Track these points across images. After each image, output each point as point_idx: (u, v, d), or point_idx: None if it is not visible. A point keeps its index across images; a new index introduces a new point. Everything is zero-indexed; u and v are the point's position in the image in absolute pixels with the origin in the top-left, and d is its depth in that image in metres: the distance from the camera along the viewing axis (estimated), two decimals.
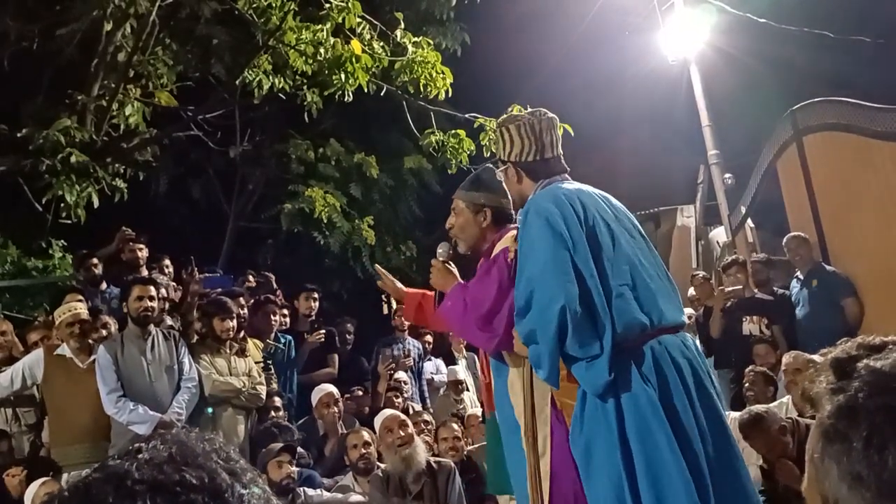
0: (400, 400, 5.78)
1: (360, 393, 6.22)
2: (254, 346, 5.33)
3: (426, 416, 5.45)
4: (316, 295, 6.68)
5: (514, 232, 2.91)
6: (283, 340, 5.91)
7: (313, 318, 6.59)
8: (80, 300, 5.06)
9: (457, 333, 2.95)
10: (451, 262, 3.11)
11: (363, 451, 4.54)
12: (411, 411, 5.59)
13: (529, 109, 2.92)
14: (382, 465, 4.51)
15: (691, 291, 7.86)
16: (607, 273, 2.43)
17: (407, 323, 7.38)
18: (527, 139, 2.81)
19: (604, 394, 2.37)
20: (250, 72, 7.02)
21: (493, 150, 6.96)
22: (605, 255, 2.45)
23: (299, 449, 4.72)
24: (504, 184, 2.88)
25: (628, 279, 2.43)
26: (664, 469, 2.28)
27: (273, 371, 5.48)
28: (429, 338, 7.49)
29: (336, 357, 6.37)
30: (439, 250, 3.15)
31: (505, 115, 3.03)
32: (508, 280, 2.74)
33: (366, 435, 4.61)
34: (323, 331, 6.27)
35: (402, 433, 4.40)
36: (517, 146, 2.82)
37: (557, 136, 2.90)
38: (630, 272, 2.44)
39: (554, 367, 2.42)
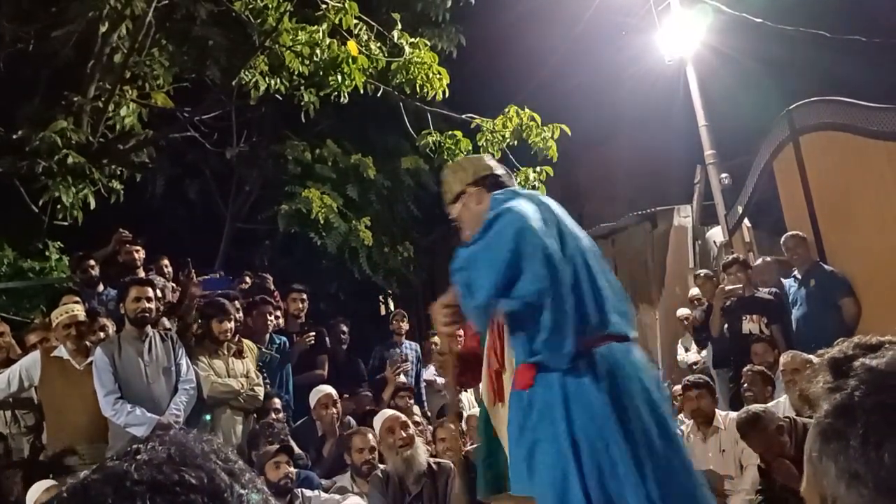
0: (410, 402, 5.79)
1: (368, 394, 6.21)
2: (249, 349, 5.33)
3: (416, 418, 5.45)
4: (304, 296, 6.68)
5: None
6: (277, 341, 5.91)
7: (302, 319, 6.59)
8: (76, 302, 5.04)
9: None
10: None
11: (368, 456, 4.54)
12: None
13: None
14: (382, 466, 4.50)
15: (693, 291, 7.88)
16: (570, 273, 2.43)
17: (405, 327, 7.38)
18: (475, 161, 2.88)
19: (553, 396, 2.37)
20: (246, 73, 7.01)
21: (491, 151, 6.99)
22: (567, 256, 2.44)
23: (297, 450, 4.72)
24: (469, 213, 2.77)
25: (592, 284, 2.45)
26: (614, 470, 2.28)
27: (265, 376, 5.47)
28: (437, 339, 7.49)
29: (326, 359, 6.36)
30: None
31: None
32: None
33: (371, 439, 4.59)
34: (313, 332, 6.26)
35: (404, 434, 4.39)
36: (469, 169, 2.81)
37: (497, 164, 2.90)
38: (592, 278, 2.45)
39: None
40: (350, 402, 6.05)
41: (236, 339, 5.23)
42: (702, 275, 7.21)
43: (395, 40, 6.63)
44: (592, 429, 2.31)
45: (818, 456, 0.82)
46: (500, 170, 2.83)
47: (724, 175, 8.65)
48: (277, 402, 5.29)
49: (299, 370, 6.07)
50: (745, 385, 5.22)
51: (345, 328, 7.03)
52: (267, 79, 7.07)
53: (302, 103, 7.25)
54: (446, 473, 4.41)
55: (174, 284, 6.37)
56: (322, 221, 10.25)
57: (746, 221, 8.03)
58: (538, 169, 7.06)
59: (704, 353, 7.20)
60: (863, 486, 0.77)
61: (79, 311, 4.82)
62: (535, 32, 11.24)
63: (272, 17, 6.47)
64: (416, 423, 5.22)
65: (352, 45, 6.34)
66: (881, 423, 0.77)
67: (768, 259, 6.54)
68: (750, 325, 6.07)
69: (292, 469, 4.31)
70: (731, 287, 6.22)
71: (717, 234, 8.98)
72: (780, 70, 9.99)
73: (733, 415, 4.72)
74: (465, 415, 5.96)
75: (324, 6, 6.44)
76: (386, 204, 11.83)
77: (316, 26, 6.46)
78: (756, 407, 4.37)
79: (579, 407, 2.34)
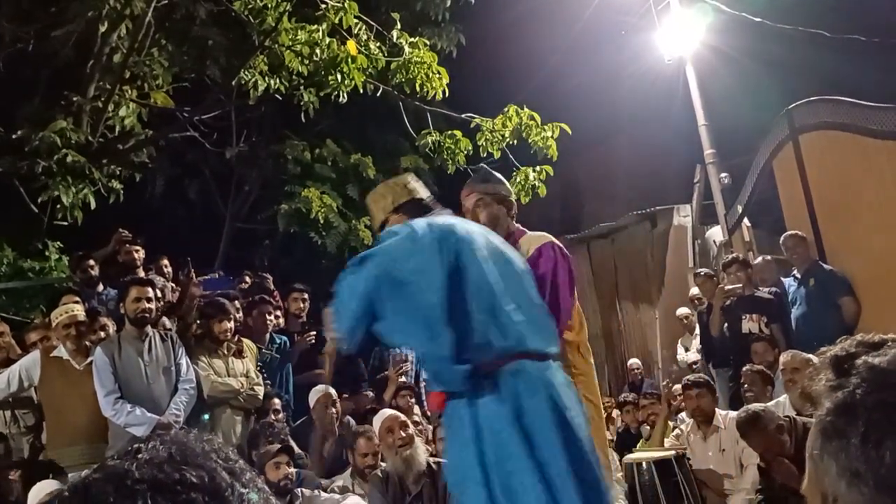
0: (412, 401, 5.79)
1: (370, 393, 6.20)
2: (249, 349, 5.33)
3: (416, 418, 5.45)
4: (305, 295, 6.66)
5: (540, 233, 3.10)
6: (278, 341, 5.90)
7: (304, 318, 6.58)
8: (76, 302, 5.04)
9: None
10: None
11: (372, 461, 4.54)
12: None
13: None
14: (382, 465, 4.50)
15: (693, 290, 7.88)
16: (475, 296, 2.47)
17: None
18: (395, 186, 2.88)
19: (462, 412, 2.45)
20: (246, 72, 7.01)
21: (491, 151, 6.99)
22: (471, 279, 2.48)
23: (297, 450, 4.72)
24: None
25: (491, 305, 2.48)
26: (520, 484, 2.33)
27: (265, 375, 5.47)
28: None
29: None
30: None
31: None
32: (565, 273, 2.94)
33: (376, 442, 4.58)
34: (313, 332, 6.25)
35: (403, 434, 4.39)
36: (389, 197, 2.86)
37: (421, 185, 2.94)
38: (492, 299, 2.49)
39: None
40: (350, 401, 6.04)
41: (236, 338, 5.23)
42: (702, 274, 7.21)
43: (395, 40, 6.63)
44: (499, 451, 2.36)
45: (819, 454, 0.82)
46: (421, 192, 2.87)
47: (723, 174, 8.64)
48: (277, 403, 5.29)
49: (300, 370, 6.06)
50: (745, 384, 5.22)
51: None
52: (266, 78, 7.07)
53: (301, 103, 7.25)
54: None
55: (174, 284, 6.36)
56: (322, 221, 10.26)
57: (746, 221, 8.03)
58: (538, 168, 7.06)
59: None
60: (863, 485, 0.77)
61: (79, 311, 4.81)
62: (534, 32, 11.24)
63: (272, 17, 6.47)
64: (416, 423, 5.23)
65: (351, 45, 6.34)
66: (882, 421, 0.77)
67: (768, 258, 6.54)
68: (749, 324, 6.07)
69: (292, 469, 4.31)
70: (730, 286, 6.22)
71: (716, 234, 8.99)
72: (780, 69, 10.00)
73: (733, 414, 4.72)
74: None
75: (323, 6, 6.44)
76: None
77: (315, 26, 6.46)
78: (756, 406, 4.37)
79: (485, 429, 2.40)
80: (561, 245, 3.07)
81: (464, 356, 2.38)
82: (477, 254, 2.53)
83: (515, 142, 7.07)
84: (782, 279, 6.33)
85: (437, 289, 2.39)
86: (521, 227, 3.24)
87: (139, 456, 0.74)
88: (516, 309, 2.51)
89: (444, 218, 2.68)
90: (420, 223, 2.56)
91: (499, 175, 3.42)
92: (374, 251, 2.52)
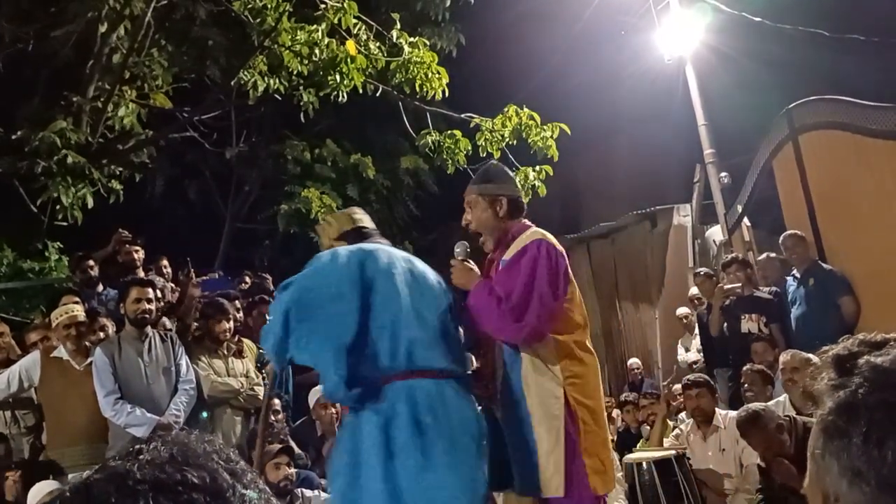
0: None
1: None
2: (249, 349, 5.33)
3: None
4: None
5: (536, 228, 3.11)
6: None
7: None
8: (76, 302, 5.03)
9: (486, 327, 3.01)
10: (469, 260, 3.15)
11: None
12: None
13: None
14: None
15: (693, 290, 7.88)
16: (373, 318, 2.71)
17: None
18: (340, 217, 3.19)
19: (346, 421, 2.79)
20: (246, 73, 7.01)
21: (490, 151, 6.99)
22: (379, 304, 2.72)
23: (297, 450, 4.72)
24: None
25: (393, 329, 2.71)
26: (366, 489, 2.57)
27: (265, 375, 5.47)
28: None
29: None
30: (457, 249, 3.21)
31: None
32: (545, 270, 2.91)
33: None
34: None
35: None
36: (334, 225, 3.15)
37: (364, 215, 3.22)
38: (395, 324, 2.72)
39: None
40: None
41: (236, 339, 5.23)
42: (702, 274, 7.21)
43: (395, 40, 6.62)
44: (360, 457, 2.63)
45: (821, 453, 0.82)
46: (364, 223, 3.14)
47: (723, 174, 8.64)
48: (277, 403, 5.29)
49: (300, 370, 6.06)
50: (745, 384, 5.22)
51: None
52: (266, 79, 7.07)
53: (301, 103, 7.25)
54: None
55: (174, 285, 6.36)
56: (321, 221, 10.25)
57: (746, 220, 8.03)
58: (538, 168, 7.05)
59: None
60: (865, 484, 0.77)
61: (78, 311, 4.81)
62: (534, 32, 11.24)
63: (271, 17, 6.47)
64: None
65: (351, 45, 6.34)
66: (884, 420, 0.77)
67: (772, 255, 6.52)
68: (749, 324, 6.07)
69: (293, 470, 4.32)
70: (729, 286, 6.23)
71: (716, 233, 8.99)
72: (780, 69, 10.00)
73: (733, 414, 4.72)
74: None
75: (323, 6, 6.43)
76: (385, 203, 11.85)
77: (315, 26, 6.45)
78: (756, 405, 4.37)
79: (357, 437, 2.67)
80: (554, 243, 3.03)
81: (359, 373, 2.64)
82: (391, 280, 2.77)
83: (515, 142, 7.07)
84: (786, 277, 6.33)
85: (347, 314, 2.66)
86: (526, 223, 3.18)
87: (141, 456, 0.74)
88: (419, 330, 2.74)
89: (372, 245, 2.93)
90: (343, 250, 2.83)
91: (502, 169, 3.36)
92: (296, 277, 2.79)
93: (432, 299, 2.89)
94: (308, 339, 2.65)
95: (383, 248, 2.92)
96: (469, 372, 3.01)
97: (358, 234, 3.06)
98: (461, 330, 3.04)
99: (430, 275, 2.99)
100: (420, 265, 2.99)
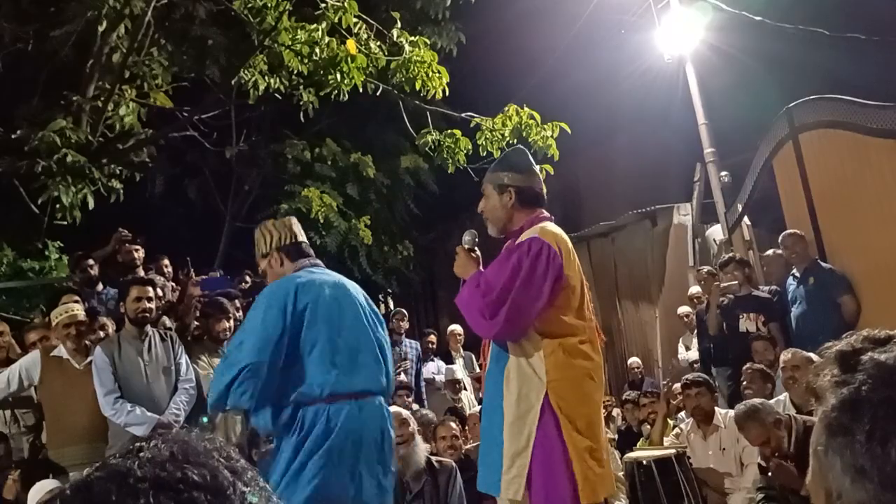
0: (409, 400, 5.79)
1: None
2: None
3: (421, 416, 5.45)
4: None
5: (546, 224, 3.03)
6: None
7: None
8: (76, 301, 5.03)
9: (467, 320, 2.98)
10: (476, 250, 3.11)
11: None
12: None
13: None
14: None
15: (693, 289, 7.88)
16: (300, 349, 2.95)
17: (404, 326, 7.40)
18: (281, 228, 3.28)
19: (277, 442, 3.02)
20: (246, 72, 7.01)
21: (490, 150, 6.98)
22: (304, 334, 2.95)
23: None
24: (272, 272, 3.26)
25: (317, 354, 2.94)
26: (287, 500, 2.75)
27: None
28: (432, 338, 7.51)
29: None
30: (465, 237, 3.17)
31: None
32: (527, 272, 2.86)
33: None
34: None
35: (402, 432, 4.38)
36: (275, 235, 3.25)
37: (300, 229, 3.37)
38: (320, 349, 2.94)
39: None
40: None
41: None
42: (704, 271, 7.21)
43: (395, 39, 6.62)
44: (285, 473, 2.85)
45: (824, 450, 0.81)
46: (300, 237, 3.29)
47: (723, 173, 8.64)
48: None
49: None
50: (745, 383, 5.22)
51: None
52: (266, 78, 7.07)
53: (301, 102, 7.25)
54: (447, 472, 4.41)
55: (174, 284, 6.36)
56: (322, 220, 10.26)
57: (746, 219, 8.02)
58: (538, 167, 7.04)
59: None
60: (868, 481, 0.77)
61: (78, 310, 4.81)
62: (534, 31, 11.23)
63: (271, 16, 6.47)
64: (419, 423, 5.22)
65: (351, 44, 6.33)
66: (888, 418, 0.76)
67: (778, 251, 6.49)
68: (747, 323, 6.08)
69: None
70: (726, 284, 6.23)
71: (716, 232, 8.98)
72: (780, 68, 9.99)
73: (733, 413, 4.72)
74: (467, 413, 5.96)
75: (323, 5, 6.43)
76: (385, 203, 11.84)
77: (315, 25, 6.45)
78: (755, 400, 4.38)
79: (281, 462, 2.89)
80: (553, 244, 2.91)
81: (286, 400, 2.90)
82: (315, 311, 2.97)
83: (515, 141, 7.06)
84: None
85: (278, 351, 2.90)
86: (539, 215, 3.07)
87: (141, 455, 0.74)
88: (343, 357, 2.96)
89: (310, 274, 3.10)
90: (289, 289, 3.00)
91: (521, 157, 3.24)
92: (247, 334, 3.00)
93: (366, 326, 3.10)
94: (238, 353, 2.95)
95: (318, 278, 3.08)
96: (388, 388, 3.21)
97: (297, 250, 3.23)
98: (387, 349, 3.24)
99: (360, 299, 3.17)
100: (350, 290, 3.16)
